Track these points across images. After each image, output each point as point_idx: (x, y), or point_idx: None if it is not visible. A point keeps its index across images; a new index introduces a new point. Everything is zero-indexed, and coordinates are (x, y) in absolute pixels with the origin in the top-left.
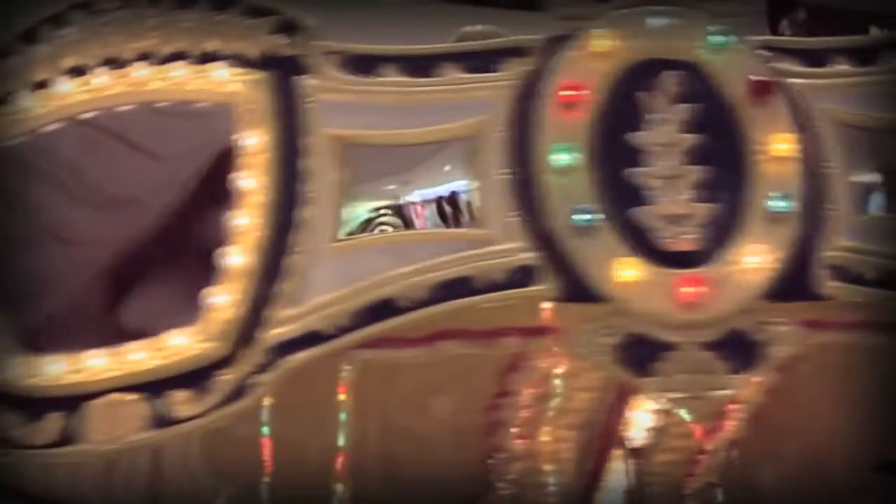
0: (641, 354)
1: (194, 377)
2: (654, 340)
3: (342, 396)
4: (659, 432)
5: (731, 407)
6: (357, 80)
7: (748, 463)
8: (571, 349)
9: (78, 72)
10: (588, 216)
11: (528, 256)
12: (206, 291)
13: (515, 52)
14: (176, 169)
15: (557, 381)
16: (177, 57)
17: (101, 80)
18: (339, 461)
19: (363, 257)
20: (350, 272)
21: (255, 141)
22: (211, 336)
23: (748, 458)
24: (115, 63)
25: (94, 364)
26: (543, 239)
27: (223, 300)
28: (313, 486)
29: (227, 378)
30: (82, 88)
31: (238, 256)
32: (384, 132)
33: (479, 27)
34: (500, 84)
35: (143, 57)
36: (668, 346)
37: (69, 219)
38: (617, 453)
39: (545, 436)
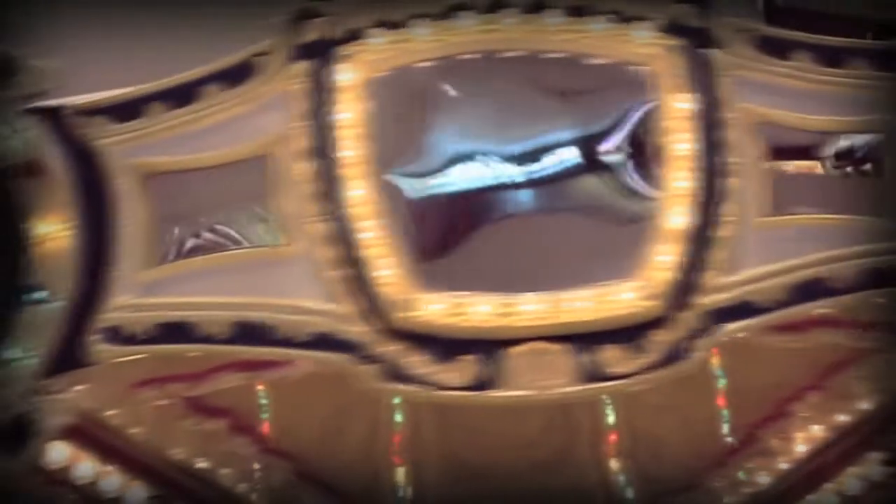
0: None
1: (629, 334)
2: None
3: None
4: None
5: None
6: (772, 61)
7: None
8: None
9: (484, 8)
10: None
11: None
12: (648, 249)
13: None
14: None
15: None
16: (580, 11)
17: (510, 21)
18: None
19: (790, 235)
20: (778, 248)
21: (683, 106)
22: (652, 294)
23: None
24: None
25: (527, 309)
26: None
27: (665, 260)
28: None
29: (661, 339)
30: (486, 27)
31: (678, 218)
32: (795, 115)
33: None
34: None
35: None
36: None
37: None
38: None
39: (801, 434)
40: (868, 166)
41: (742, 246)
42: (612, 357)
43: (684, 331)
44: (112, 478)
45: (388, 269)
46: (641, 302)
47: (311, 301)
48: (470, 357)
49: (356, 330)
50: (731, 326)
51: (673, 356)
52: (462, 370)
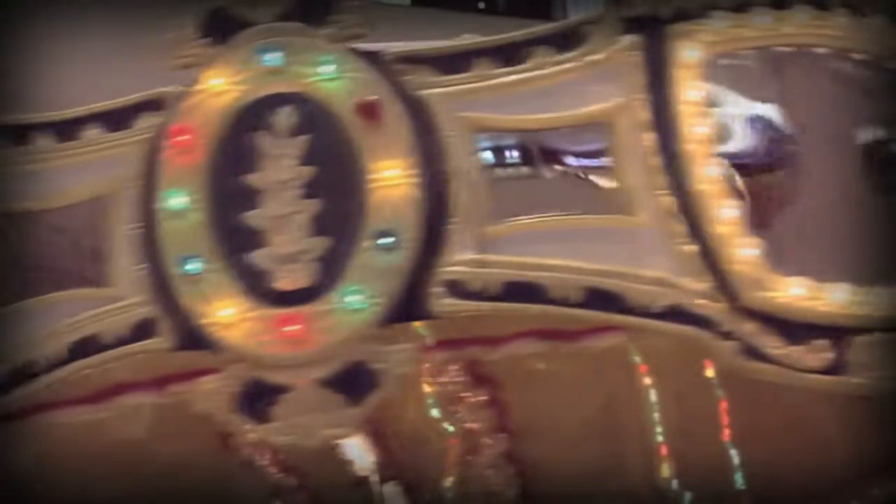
0: None
1: None
2: None
3: None
4: None
5: None
6: None
7: None
8: None
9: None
10: None
11: None
12: None
13: None
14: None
15: None
16: None
17: (841, 20)
18: None
19: None
20: None
21: None
22: None
23: None
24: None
25: (880, 300)
26: None
27: None
28: None
29: None
30: (819, 23)
31: None
32: None
33: None
34: None
35: None
36: None
37: None
38: None
39: None
40: None
41: None
42: None
43: None
44: (354, 440)
45: (741, 247)
46: None
47: (660, 273)
48: (821, 342)
49: (709, 305)
50: None
51: None
52: (815, 354)
